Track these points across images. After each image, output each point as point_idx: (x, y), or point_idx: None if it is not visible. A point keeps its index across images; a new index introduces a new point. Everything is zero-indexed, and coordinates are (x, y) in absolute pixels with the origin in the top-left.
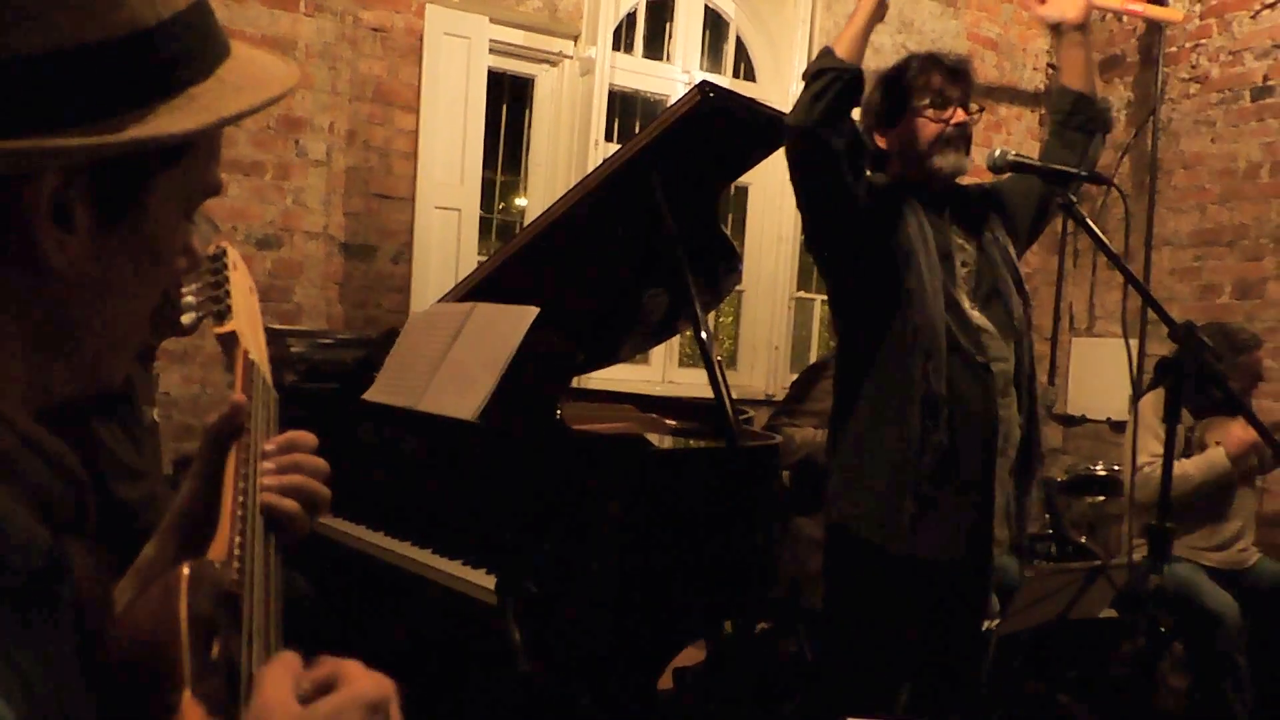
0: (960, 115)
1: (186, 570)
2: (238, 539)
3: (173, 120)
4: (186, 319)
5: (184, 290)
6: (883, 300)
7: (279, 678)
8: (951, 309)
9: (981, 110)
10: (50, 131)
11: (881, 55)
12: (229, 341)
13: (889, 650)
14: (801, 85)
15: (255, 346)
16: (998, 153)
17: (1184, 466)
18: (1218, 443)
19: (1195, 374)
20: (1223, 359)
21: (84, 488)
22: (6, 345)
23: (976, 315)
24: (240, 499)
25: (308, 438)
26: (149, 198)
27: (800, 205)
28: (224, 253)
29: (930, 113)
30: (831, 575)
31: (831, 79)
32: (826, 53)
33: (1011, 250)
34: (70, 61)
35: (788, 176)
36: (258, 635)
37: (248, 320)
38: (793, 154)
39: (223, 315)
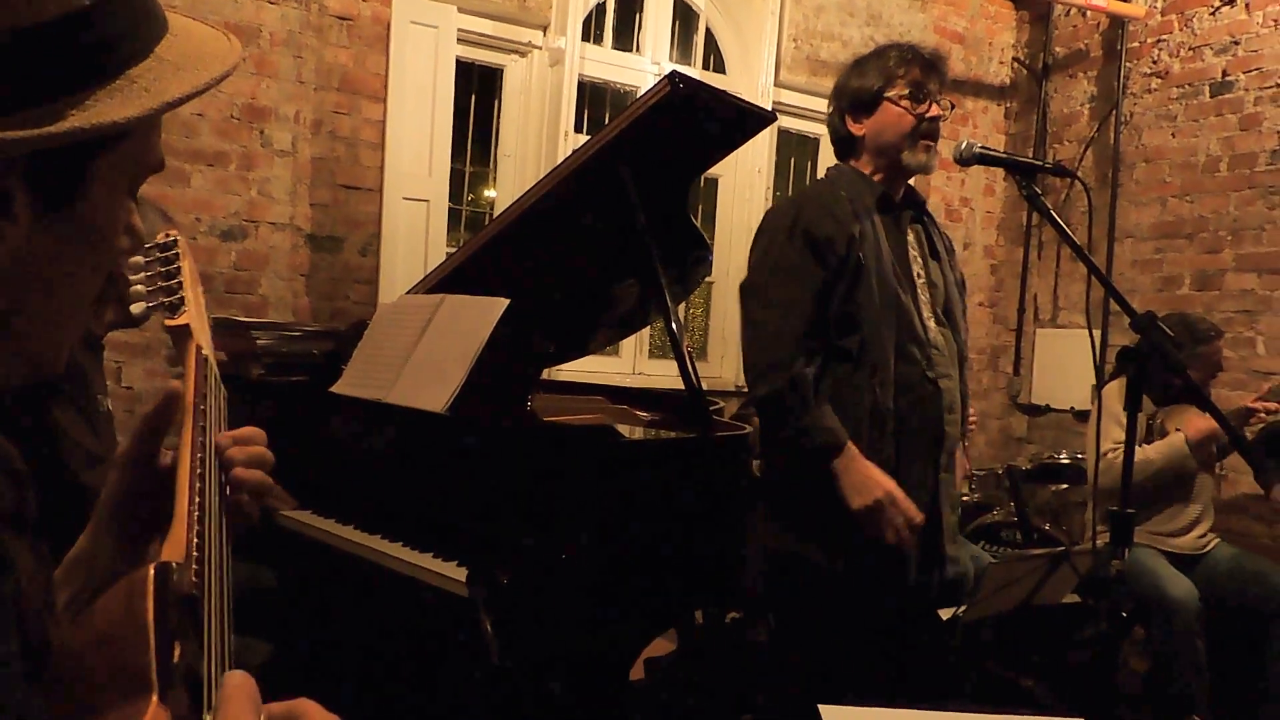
0: (935, 110)
1: (152, 572)
2: (195, 540)
3: (113, 107)
4: (136, 309)
5: (133, 279)
6: (831, 312)
7: (243, 711)
8: (907, 321)
9: (953, 107)
10: None
11: (850, 48)
12: (180, 334)
13: (844, 663)
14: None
15: (205, 340)
16: (964, 145)
17: (1145, 452)
18: (1178, 429)
19: (1157, 363)
20: (1183, 348)
21: (24, 482)
22: None
23: (934, 329)
24: (196, 499)
25: (259, 433)
26: (91, 183)
27: None
28: (174, 242)
29: (906, 104)
30: (778, 599)
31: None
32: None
33: (959, 280)
34: (10, 48)
35: (756, 168)
36: (214, 640)
37: (197, 312)
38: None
39: (175, 307)
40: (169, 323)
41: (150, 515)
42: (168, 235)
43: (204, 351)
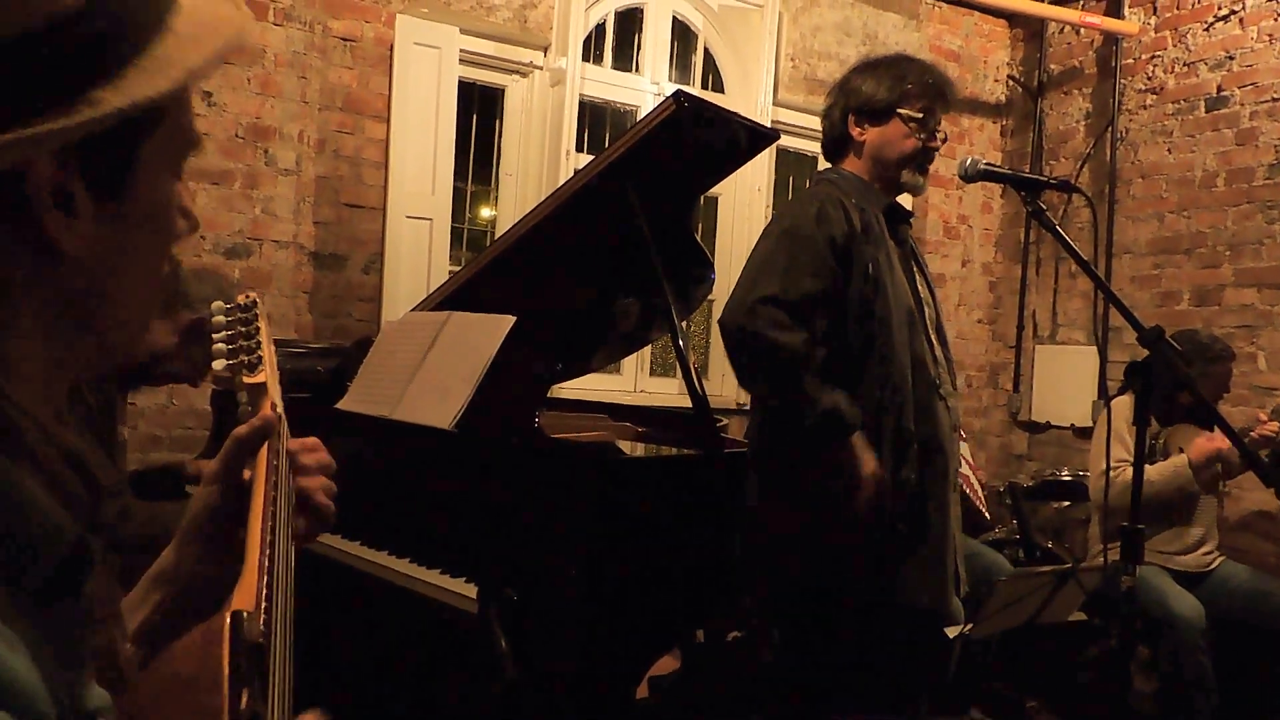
0: (937, 141)
1: (229, 619)
2: (264, 589)
3: (145, 83)
4: (218, 365)
5: (216, 337)
6: (847, 328)
7: None
8: (918, 338)
9: (945, 139)
10: (30, 121)
11: (847, 67)
12: (257, 391)
13: (849, 681)
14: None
15: (278, 397)
16: (969, 162)
17: (1147, 473)
18: (1181, 449)
19: (1165, 379)
20: (1193, 366)
21: (99, 490)
22: (26, 338)
23: (936, 348)
24: (267, 550)
25: (318, 442)
26: (139, 167)
27: None
28: (255, 303)
29: (915, 126)
30: (792, 625)
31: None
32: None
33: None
34: (30, 46)
35: (756, 186)
36: (279, 690)
37: (271, 371)
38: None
39: (253, 366)
40: (247, 379)
41: (232, 533)
42: (248, 297)
43: (278, 409)
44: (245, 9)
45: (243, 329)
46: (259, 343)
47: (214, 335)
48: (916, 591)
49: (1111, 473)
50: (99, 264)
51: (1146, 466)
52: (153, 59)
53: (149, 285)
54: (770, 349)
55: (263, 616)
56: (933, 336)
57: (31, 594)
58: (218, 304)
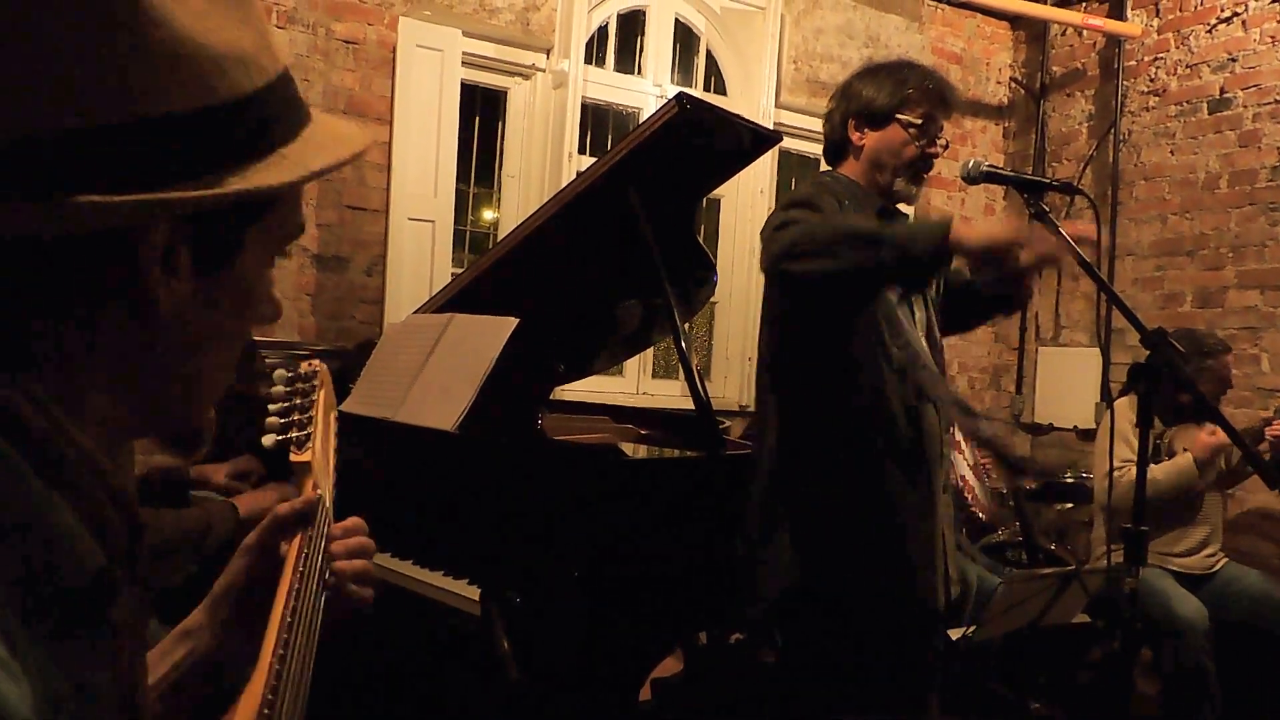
0: (936, 147)
1: None
2: (270, 695)
3: (267, 175)
4: (268, 441)
5: (272, 409)
6: (843, 326)
7: None
8: (901, 340)
9: (947, 145)
10: (164, 187)
11: (849, 70)
12: (301, 470)
13: (851, 685)
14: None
15: (324, 478)
16: (972, 164)
17: (1152, 472)
18: (1185, 449)
19: (1168, 380)
20: (1189, 362)
21: (137, 526)
22: (95, 379)
23: (925, 352)
24: (280, 650)
25: (361, 524)
26: (244, 247)
27: (778, 310)
28: (315, 373)
29: (914, 132)
30: (795, 629)
31: (911, 269)
32: (942, 243)
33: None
34: (183, 124)
35: (758, 189)
36: None
37: (322, 447)
38: (791, 283)
39: (302, 443)
40: (294, 457)
41: (259, 607)
42: (311, 366)
43: (319, 492)
44: (369, 130)
45: (299, 401)
46: (311, 419)
47: (270, 407)
48: (905, 592)
49: (1116, 473)
50: (187, 332)
51: (1151, 466)
52: (280, 157)
53: (225, 362)
54: (806, 238)
55: None
56: (919, 340)
57: (52, 622)
58: (280, 373)
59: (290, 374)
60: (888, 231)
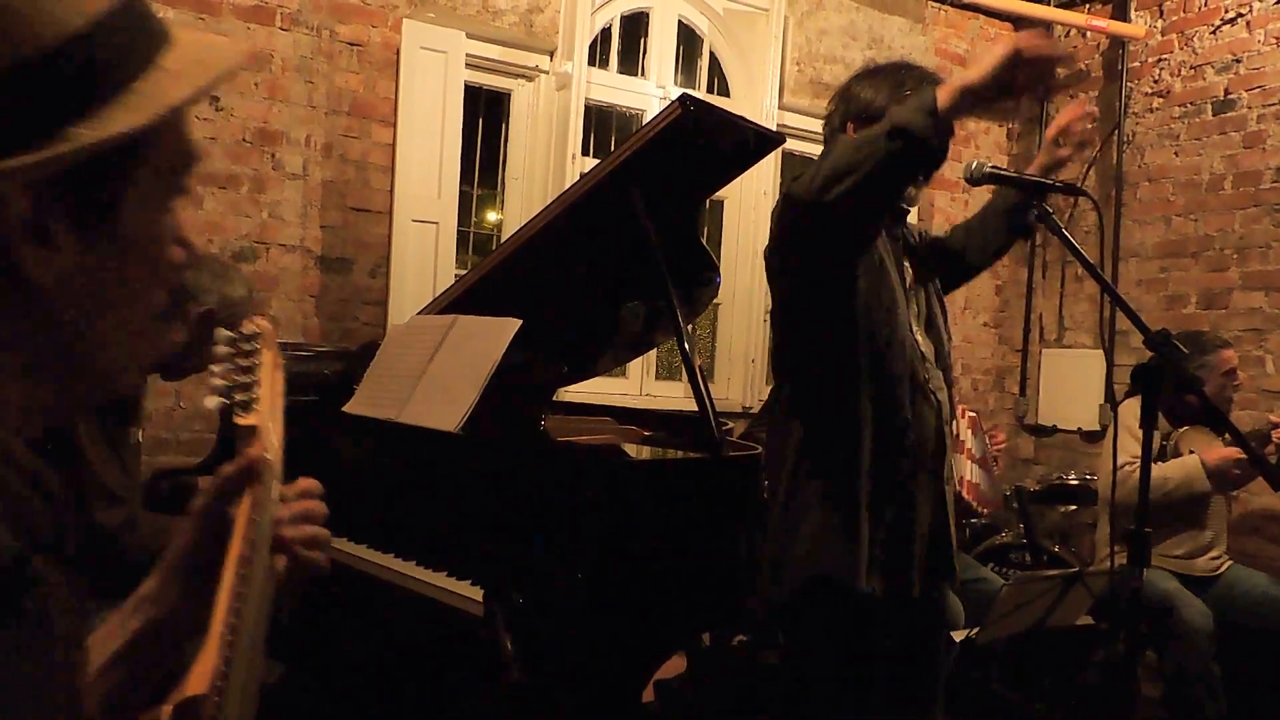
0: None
1: (169, 711)
2: (224, 667)
3: (120, 118)
4: (210, 403)
5: (215, 370)
6: (848, 314)
7: None
8: (900, 331)
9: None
10: (3, 155)
11: (853, 71)
12: (247, 434)
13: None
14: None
15: (272, 442)
16: (975, 165)
17: (1163, 469)
18: (1192, 451)
19: (1173, 381)
20: (1191, 360)
21: (63, 509)
22: (4, 371)
23: (920, 339)
24: (233, 619)
25: (313, 486)
26: (124, 200)
27: (786, 269)
28: (258, 335)
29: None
30: (809, 622)
31: (918, 153)
32: (930, 114)
33: (938, 282)
34: (15, 79)
35: (761, 190)
36: None
37: (269, 409)
38: (812, 224)
39: (247, 405)
40: (238, 420)
41: (211, 572)
42: (254, 325)
43: (268, 456)
44: (246, 44)
45: (243, 362)
46: (256, 381)
47: (213, 368)
48: (875, 576)
49: (1125, 469)
50: (83, 298)
51: (1160, 465)
52: (135, 95)
53: (140, 317)
54: (826, 169)
55: (216, 698)
56: (918, 332)
57: None
58: (221, 332)
59: (232, 334)
60: (882, 128)
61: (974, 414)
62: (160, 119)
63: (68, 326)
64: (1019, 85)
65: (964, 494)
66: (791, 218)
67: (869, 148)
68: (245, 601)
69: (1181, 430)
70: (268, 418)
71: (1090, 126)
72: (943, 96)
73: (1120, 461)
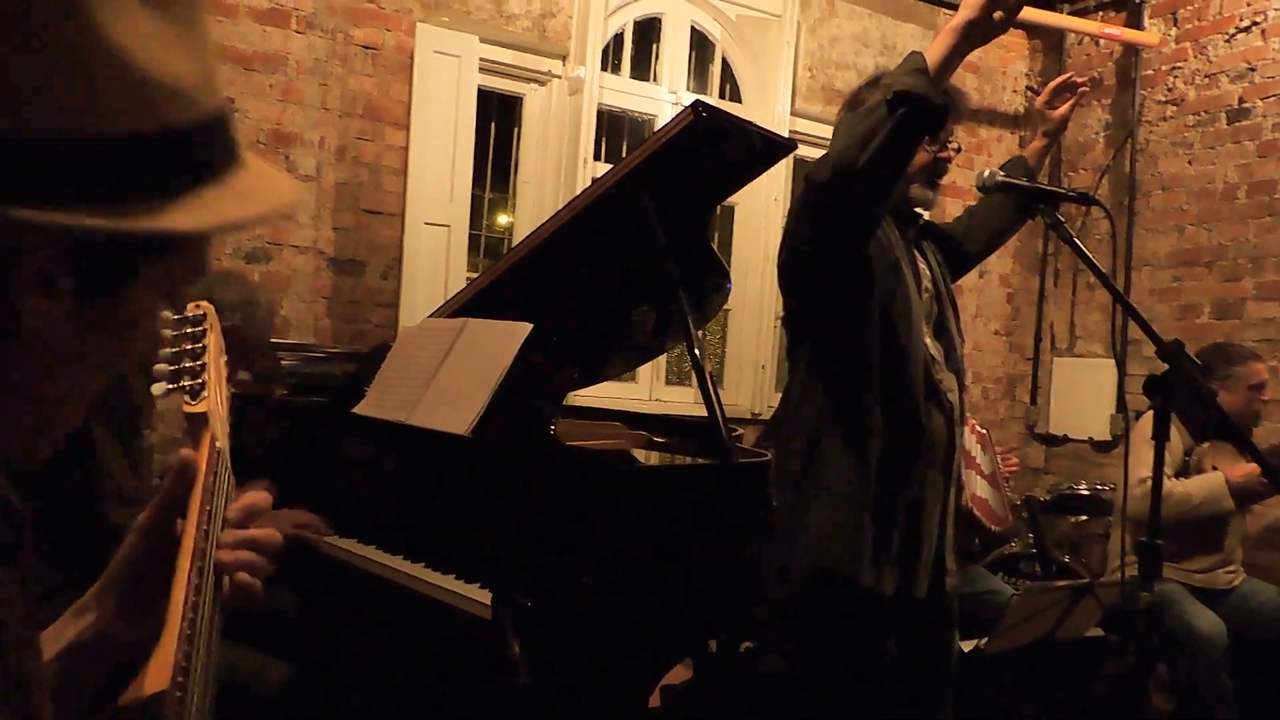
0: (949, 151)
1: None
2: (182, 661)
3: (182, 218)
4: (157, 389)
5: (161, 354)
6: (863, 320)
7: None
8: (914, 334)
9: (959, 150)
10: (59, 206)
11: (863, 77)
12: (196, 422)
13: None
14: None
15: (220, 429)
16: (986, 174)
17: (1186, 487)
18: (1215, 467)
19: (1185, 393)
20: (1215, 371)
21: (19, 520)
22: None
23: (930, 343)
24: (190, 614)
25: (261, 504)
26: (137, 281)
27: (806, 246)
28: (204, 316)
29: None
30: (815, 620)
31: (923, 113)
32: (922, 73)
33: (950, 284)
34: (97, 147)
35: (772, 196)
36: None
37: (216, 395)
38: (837, 197)
39: (195, 392)
40: (187, 408)
41: (159, 584)
42: (198, 308)
43: (218, 444)
44: (298, 185)
45: (189, 347)
46: (204, 365)
47: (158, 352)
48: (883, 574)
49: (1145, 484)
50: (53, 352)
51: (1185, 481)
52: (201, 200)
53: (83, 391)
54: (837, 151)
55: (178, 694)
56: (928, 335)
57: None
58: (164, 315)
59: (176, 316)
60: (879, 97)
61: (984, 430)
62: (214, 230)
63: (25, 372)
64: (1009, 6)
65: (974, 510)
66: (815, 200)
67: (876, 116)
68: (202, 594)
69: (1204, 445)
70: (216, 406)
71: (1084, 87)
72: (932, 51)
73: (1141, 475)
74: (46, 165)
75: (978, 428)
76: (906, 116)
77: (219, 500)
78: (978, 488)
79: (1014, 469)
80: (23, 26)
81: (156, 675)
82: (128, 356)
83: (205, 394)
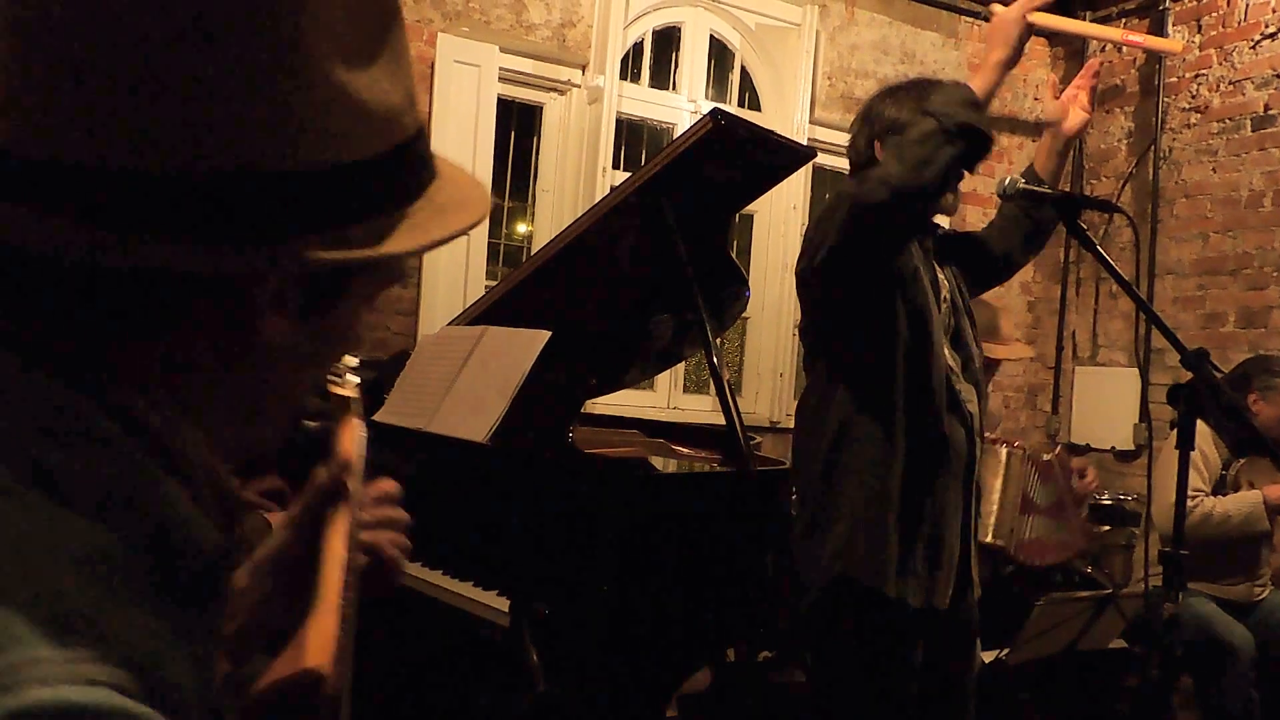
0: None
1: (307, 677)
2: (341, 635)
3: (396, 241)
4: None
5: None
6: (886, 330)
7: None
8: (930, 343)
9: None
10: (294, 237)
11: (883, 86)
12: (341, 405)
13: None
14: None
15: (361, 414)
16: (1008, 181)
17: (1225, 507)
18: (1251, 483)
19: (1213, 404)
20: (1252, 380)
21: (235, 521)
22: (196, 399)
23: (949, 354)
24: (348, 594)
25: (395, 489)
26: (348, 295)
27: (834, 259)
28: None
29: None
30: (836, 630)
31: (977, 144)
32: (979, 107)
33: (967, 294)
34: (327, 178)
35: (791, 204)
36: None
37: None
38: (889, 217)
39: (340, 374)
40: (335, 390)
41: (297, 584)
42: None
43: (360, 432)
44: (488, 190)
45: None
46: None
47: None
48: (907, 585)
49: (1192, 504)
50: (280, 365)
51: (1223, 500)
52: (410, 220)
53: (300, 396)
54: (894, 167)
55: (339, 668)
56: (946, 346)
57: (179, 593)
58: None
59: None
60: (931, 124)
61: (1047, 458)
62: (425, 249)
63: (261, 382)
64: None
65: (1019, 554)
66: (865, 218)
67: (934, 143)
68: (352, 588)
69: (1241, 461)
70: (357, 391)
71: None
72: (979, 86)
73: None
74: (280, 198)
75: (1042, 457)
76: (967, 148)
77: (359, 483)
78: (1028, 530)
79: (1092, 485)
80: (266, 69)
81: (316, 651)
82: (343, 353)
83: (348, 376)
